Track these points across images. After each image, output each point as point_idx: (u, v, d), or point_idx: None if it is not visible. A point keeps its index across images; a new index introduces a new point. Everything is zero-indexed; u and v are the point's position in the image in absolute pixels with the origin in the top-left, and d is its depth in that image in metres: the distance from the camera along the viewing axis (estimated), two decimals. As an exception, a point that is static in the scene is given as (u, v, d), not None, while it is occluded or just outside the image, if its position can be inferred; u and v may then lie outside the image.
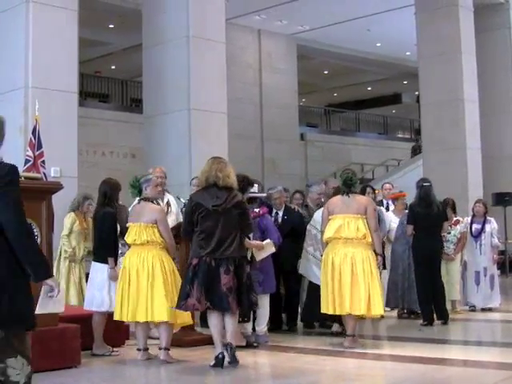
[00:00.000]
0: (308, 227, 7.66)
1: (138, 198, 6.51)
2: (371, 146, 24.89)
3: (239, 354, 5.79)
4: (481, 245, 9.47)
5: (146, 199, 6.28)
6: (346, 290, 6.45)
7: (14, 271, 3.22)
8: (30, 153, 7.95)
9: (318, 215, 7.45)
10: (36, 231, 5.68)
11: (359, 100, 29.72)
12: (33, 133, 8.06)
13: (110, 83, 21.45)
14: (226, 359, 5.66)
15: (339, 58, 23.46)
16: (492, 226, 9.71)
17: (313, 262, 7.51)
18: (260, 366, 5.84)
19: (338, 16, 18.62)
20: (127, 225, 6.25)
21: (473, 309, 9.43)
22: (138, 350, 6.19)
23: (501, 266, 15.62)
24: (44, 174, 7.83)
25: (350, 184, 6.76)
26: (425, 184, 8.21)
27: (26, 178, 6.20)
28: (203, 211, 5.72)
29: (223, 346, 5.67)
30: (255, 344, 6.74)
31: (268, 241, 6.86)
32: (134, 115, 17.03)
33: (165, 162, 9.77)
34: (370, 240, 6.60)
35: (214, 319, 5.76)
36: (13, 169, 3.33)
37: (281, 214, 7.98)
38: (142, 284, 6.00)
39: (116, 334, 6.73)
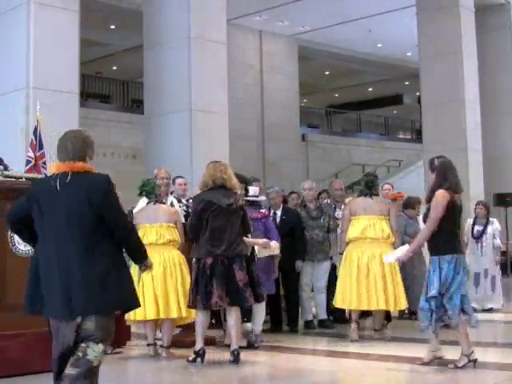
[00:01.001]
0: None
1: (146, 200, 6.68)
2: (372, 147, 24.90)
3: (240, 355, 5.81)
4: (482, 246, 9.45)
5: (160, 201, 6.55)
6: (379, 287, 6.91)
7: (116, 266, 3.84)
8: (30, 153, 7.94)
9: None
10: (37, 232, 5.70)
11: (360, 101, 29.71)
12: (34, 133, 8.05)
13: (111, 84, 21.47)
14: (230, 359, 5.83)
15: (340, 59, 23.47)
16: (494, 226, 9.70)
17: None
18: (260, 367, 5.85)
19: (339, 17, 18.63)
20: (140, 226, 6.28)
21: (474, 310, 9.40)
22: (148, 345, 6.38)
23: (502, 266, 15.65)
24: (45, 174, 7.80)
25: (371, 186, 7.19)
26: None
27: (27, 178, 6.21)
28: (216, 209, 5.89)
29: (232, 352, 5.86)
30: (256, 344, 6.75)
31: (275, 242, 6.91)
32: (135, 116, 17.06)
33: (166, 162, 9.77)
34: (393, 240, 7.07)
35: (202, 316, 5.96)
36: (109, 178, 3.98)
37: (279, 214, 8.00)
38: (161, 282, 6.22)
39: (117, 334, 6.72)
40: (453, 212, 5.53)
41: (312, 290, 8.24)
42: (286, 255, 7.63)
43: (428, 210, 5.68)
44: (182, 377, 5.70)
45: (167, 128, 10.90)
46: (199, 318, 5.99)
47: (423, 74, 15.53)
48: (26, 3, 8.98)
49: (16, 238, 5.55)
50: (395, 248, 6.97)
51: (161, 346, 6.34)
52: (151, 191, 6.54)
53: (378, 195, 7.42)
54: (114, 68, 23.48)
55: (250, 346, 6.65)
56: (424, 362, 5.69)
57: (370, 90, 29.03)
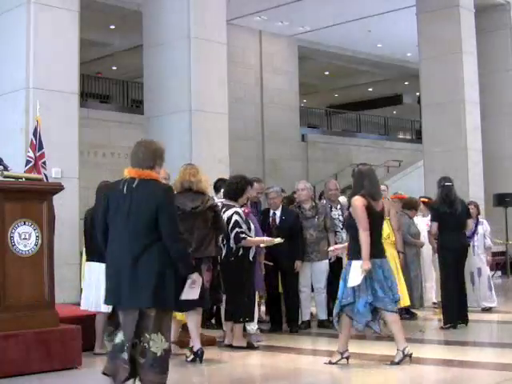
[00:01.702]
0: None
1: None
2: (372, 147, 24.89)
3: (240, 355, 5.81)
4: (473, 246, 9.46)
5: None
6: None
7: (169, 267, 4.36)
8: (31, 154, 7.95)
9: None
10: (37, 232, 5.70)
11: (360, 101, 29.72)
12: (34, 134, 8.06)
13: (111, 84, 21.46)
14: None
15: (340, 59, 23.47)
16: (484, 227, 9.73)
17: None
18: (260, 367, 5.84)
19: (339, 17, 18.63)
20: None
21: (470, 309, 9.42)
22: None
23: (502, 267, 15.66)
24: (45, 174, 7.83)
25: None
26: (446, 184, 8.05)
27: (26, 178, 6.22)
28: (181, 213, 5.94)
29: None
30: (256, 345, 6.75)
31: (279, 239, 6.98)
32: (134, 116, 17.05)
33: (166, 162, 9.74)
34: (393, 239, 7.49)
35: (190, 316, 6.04)
36: (170, 188, 4.71)
37: (278, 214, 8.00)
38: None
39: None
40: (370, 218, 5.71)
41: (312, 291, 8.24)
42: (285, 255, 7.63)
43: (349, 216, 5.93)
44: (182, 376, 5.70)
45: (167, 128, 10.89)
46: (189, 317, 6.06)
47: (423, 74, 15.52)
48: (25, 3, 8.97)
49: (16, 237, 5.55)
50: (397, 247, 7.42)
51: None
52: None
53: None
54: (114, 68, 23.47)
55: (250, 346, 6.65)
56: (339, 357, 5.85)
57: (370, 90, 29.03)
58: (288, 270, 7.86)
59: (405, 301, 7.42)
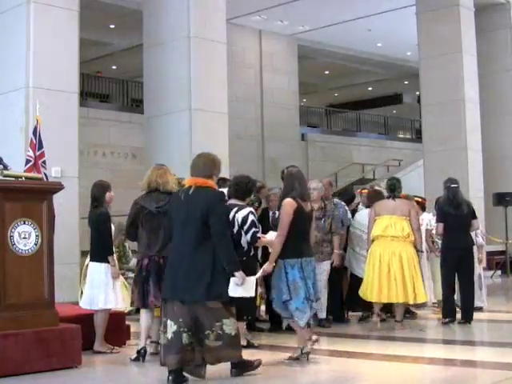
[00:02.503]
0: (351, 229, 8.61)
1: None
2: (372, 147, 24.89)
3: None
4: None
5: None
6: (398, 282, 7.64)
7: (218, 264, 5.02)
8: (30, 153, 7.95)
9: (360, 218, 8.57)
10: (37, 231, 5.70)
11: (360, 100, 29.72)
12: (34, 133, 8.05)
13: (111, 83, 21.47)
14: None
15: (340, 58, 23.47)
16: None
17: (361, 260, 8.35)
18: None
19: (339, 16, 18.62)
20: None
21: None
22: None
23: (501, 266, 15.66)
24: (45, 174, 7.83)
25: (393, 189, 7.97)
26: (452, 185, 8.26)
27: (26, 178, 6.22)
28: (148, 213, 6.21)
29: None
30: (256, 344, 6.76)
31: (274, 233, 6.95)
32: (134, 115, 17.06)
33: (165, 162, 9.71)
34: (412, 238, 7.80)
35: (145, 315, 6.23)
36: (223, 194, 5.33)
37: (278, 214, 7.98)
38: None
39: (118, 333, 6.74)
40: (300, 218, 5.93)
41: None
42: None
43: (278, 216, 6.17)
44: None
45: (167, 127, 10.90)
46: (142, 316, 6.21)
47: (423, 74, 15.52)
48: (25, 3, 8.97)
49: (15, 237, 5.56)
50: (416, 246, 7.85)
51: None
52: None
53: (400, 197, 8.05)
54: (114, 67, 23.47)
55: (250, 345, 6.65)
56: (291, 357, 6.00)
57: (370, 89, 29.03)
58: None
59: (423, 297, 7.85)
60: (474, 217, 8.43)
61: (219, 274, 5.02)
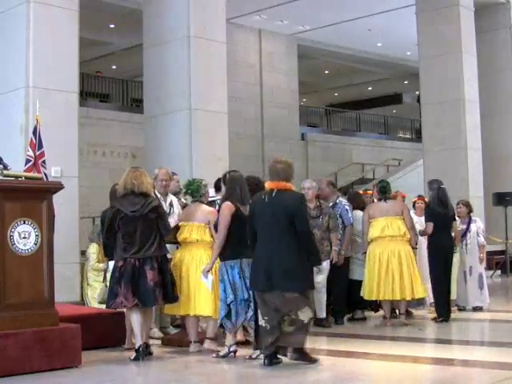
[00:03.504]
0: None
1: (187, 199, 7.19)
2: (372, 146, 24.88)
3: (241, 354, 5.80)
4: (466, 244, 9.50)
5: (200, 201, 6.80)
6: (396, 279, 7.92)
7: (303, 258, 5.70)
8: (30, 153, 7.94)
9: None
10: (36, 231, 5.70)
11: (360, 100, 29.70)
12: (33, 133, 8.04)
13: (111, 83, 21.45)
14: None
15: (340, 58, 23.46)
16: (477, 225, 9.76)
17: (357, 263, 8.65)
18: (261, 366, 5.84)
19: (339, 16, 18.62)
20: (179, 224, 6.74)
21: (461, 309, 9.40)
22: (190, 342, 6.56)
23: (501, 266, 15.66)
24: (45, 173, 7.82)
25: (384, 191, 8.27)
26: (442, 186, 8.56)
27: (26, 178, 6.22)
28: (123, 216, 6.26)
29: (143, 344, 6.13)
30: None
31: None
32: (134, 115, 17.04)
33: (165, 161, 9.77)
34: (408, 237, 8.12)
35: (135, 315, 6.19)
36: (303, 196, 6.11)
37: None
38: (192, 279, 6.50)
39: (118, 333, 6.74)
40: (239, 221, 6.11)
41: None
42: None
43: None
44: (180, 375, 5.70)
45: (167, 127, 10.89)
46: (132, 316, 6.22)
47: (423, 74, 15.51)
48: (25, 2, 8.96)
49: (15, 236, 5.56)
50: (412, 244, 8.21)
51: (204, 337, 6.61)
52: (196, 190, 6.78)
53: (390, 199, 8.38)
54: (114, 67, 23.46)
55: (249, 342, 6.66)
56: (219, 355, 6.16)
57: (370, 89, 29.02)
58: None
59: (421, 293, 8.10)
60: (454, 218, 8.84)
61: (304, 266, 5.69)
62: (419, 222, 8.96)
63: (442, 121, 14.93)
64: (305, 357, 5.79)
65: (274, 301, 5.70)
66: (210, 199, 7.30)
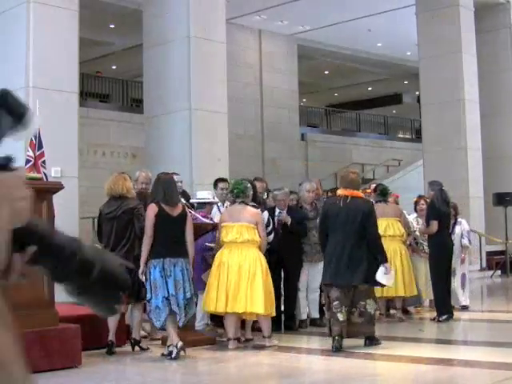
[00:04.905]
0: None
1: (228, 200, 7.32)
2: (372, 146, 24.89)
3: (241, 355, 5.80)
4: None
5: (245, 203, 6.87)
6: (399, 276, 8.14)
7: (370, 256, 6.40)
8: (30, 153, 7.93)
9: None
10: (36, 231, 5.69)
11: (360, 100, 29.70)
12: (33, 133, 8.04)
13: (111, 83, 21.46)
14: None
15: (340, 58, 23.46)
16: (463, 227, 9.79)
17: None
18: (261, 366, 5.85)
19: (339, 16, 18.62)
20: (222, 224, 6.80)
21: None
22: (228, 339, 6.58)
23: (501, 266, 15.66)
24: (45, 174, 7.81)
25: (385, 193, 8.68)
26: (443, 187, 8.69)
27: (26, 178, 6.22)
28: (104, 219, 6.69)
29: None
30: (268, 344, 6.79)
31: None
32: (134, 115, 17.04)
33: (165, 161, 9.78)
34: (405, 238, 8.62)
35: (137, 311, 6.54)
36: (372, 203, 6.97)
37: (284, 213, 7.99)
38: (244, 279, 6.56)
39: (118, 333, 6.73)
40: (162, 222, 6.26)
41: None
42: (287, 255, 7.65)
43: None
44: (180, 375, 5.70)
45: (167, 127, 10.90)
46: (134, 312, 6.53)
47: (423, 74, 15.53)
48: (25, 2, 8.98)
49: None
50: (407, 245, 8.69)
51: (262, 336, 6.67)
52: (242, 191, 6.84)
53: (389, 201, 8.72)
54: (114, 67, 23.46)
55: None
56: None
57: (370, 89, 29.02)
58: (290, 270, 7.87)
59: (411, 290, 8.40)
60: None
61: (372, 263, 6.34)
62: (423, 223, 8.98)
63: (441, 121, 14.94)
64: (375, 342, 6.57)
65: (348, 293, 6.34)
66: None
